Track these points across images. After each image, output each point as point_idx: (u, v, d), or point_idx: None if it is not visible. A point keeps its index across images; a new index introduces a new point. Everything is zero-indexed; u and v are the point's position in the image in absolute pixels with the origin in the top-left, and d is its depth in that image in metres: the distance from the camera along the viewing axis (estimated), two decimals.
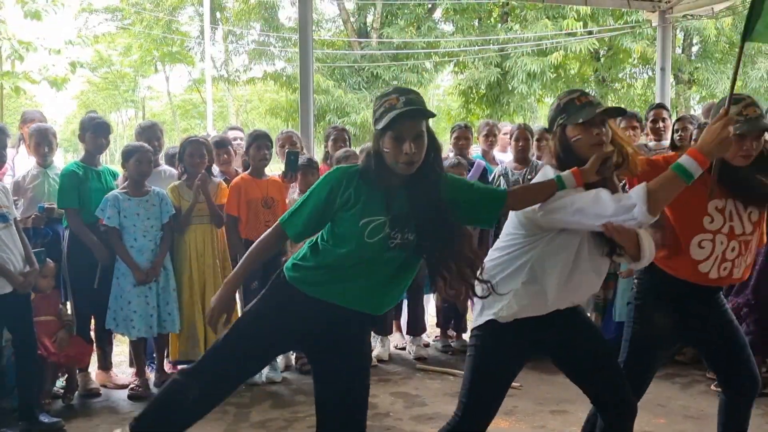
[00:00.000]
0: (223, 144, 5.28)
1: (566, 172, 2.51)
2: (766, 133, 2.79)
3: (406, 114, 2.33)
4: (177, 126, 33.80)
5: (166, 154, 5.30)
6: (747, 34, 2.63)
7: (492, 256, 2.69)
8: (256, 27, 20.99)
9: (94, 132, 4.60)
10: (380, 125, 2.37)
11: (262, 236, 2.60)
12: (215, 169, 5.05)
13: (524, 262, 2.56)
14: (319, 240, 2.54)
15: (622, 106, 18.15)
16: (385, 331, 5.37)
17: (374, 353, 5.24)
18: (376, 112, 2.41)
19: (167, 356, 4.75)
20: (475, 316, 2.71)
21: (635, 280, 3.04)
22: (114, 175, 4.81)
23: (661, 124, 5.68)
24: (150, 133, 4.96)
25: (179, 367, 4.78)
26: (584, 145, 2.53)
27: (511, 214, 2.67)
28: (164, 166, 5.08)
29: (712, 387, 4.46)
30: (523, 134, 5.38)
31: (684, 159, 2.42)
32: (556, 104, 2.64)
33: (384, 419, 4.13)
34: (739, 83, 17.60)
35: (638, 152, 2.67)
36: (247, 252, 2.59)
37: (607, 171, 2.51)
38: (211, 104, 21.13)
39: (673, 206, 2.70)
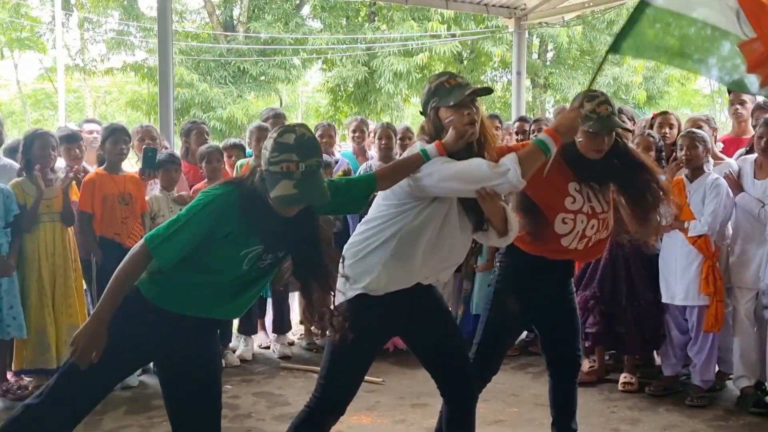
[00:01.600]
0: (74, 138, 4.98)
1: (430, 145, 2.63)
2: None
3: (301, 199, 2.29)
4: (27, 117, 31.60)
5: (8, 148, 4.92)
6: (616, 47, 2.85)
7: (360, 229, 2.75)
8: (115, 15, 20.00)
9: None
10: (272, 192, 2.27)
11: (127, 260, 2.35)
12: (62, 163, 4.76)
13: (393, 233, 2.63)
14: (186, 260, 2.38)
15: (484, 107, 18.91)
16: (249, 331, 5.28)
17: (237, 353, 5.16)
18: (270, 159, 2.29)
19: (9, 365, 4.42)
20: (340, 290, 2.68)
21: (497, 264, 3.25)
22: None
23: (522, 137, 5.93)
24: None
25: (24, 377, 4.49)
26: (457, 125, 2.64)
27: None
28: (5, 160, 4.74)
29: None
30: (385, 132, 5.46)
31: (543, 135, 2.69)
32: (427, 88, 2.74)
33: (246, 420, 4.07)
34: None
35: (495, 138, 2.84)
36: (113, 279, 2.35)
37: (463, 141, 2.63)
38: (64, 94, 19.90)
39: (538, 190, 2.92)
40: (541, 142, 2.65)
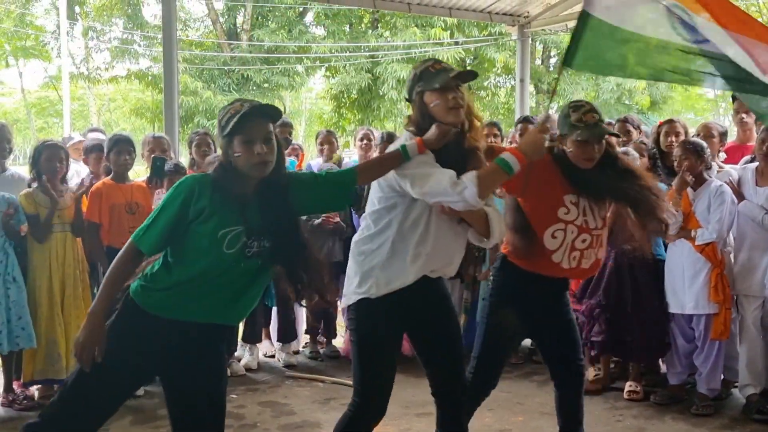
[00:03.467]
0: (101, 149, 4.97)
1: (410, 142, 2.65)
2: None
3: (253, 113, 2.35)
4: (32, 125, 31.72)
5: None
6: (568, 61, 2.87)
7: (357, 235, 2.81)
8: (119, 23, 20.09)
9: None
10: (227, 130, 2.36)
11: (117, 258, 2.42)
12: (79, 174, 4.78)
13: (386, 237, 2.69)
14: (170, 258, 2.42)
15: (487, 113, 18.91)
16: (254, 339, 5.29)
17: (242, 362, 5.16)
18: (221, 120, 2.40)
19: (15, 375, 4.43)
20: (345, 295, 2.80)
21: (491, 278, 3.24)
22: None
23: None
24: None
25: (32, 388, 4.49)
26: (442, 109, 2.65)
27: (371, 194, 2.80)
28: (12, 170, 4.76)
29: None
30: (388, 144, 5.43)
31: (506, 155, 2.65)
32: (412, 74, 2.77)
33: (251, 430, 4.07)
34: (592, 94, 18.87)
35: (482, 124, 2.88)
36: (105, 277, 2.42)
37: (445, 140, 2.65)
38: (69, 102, 19.97)
39: (532, 199, 2.98)
40: (503, 161, 2.62)
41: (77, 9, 21.09)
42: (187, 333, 2.42)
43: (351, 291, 2.76)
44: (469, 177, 2.56)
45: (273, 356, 5.46)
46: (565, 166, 3.01)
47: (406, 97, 2.83)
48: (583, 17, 2.86)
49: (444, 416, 2.90)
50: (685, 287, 4.27)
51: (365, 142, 5.99)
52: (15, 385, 4.43)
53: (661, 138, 4.77)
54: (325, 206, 2.72)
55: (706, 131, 4.72)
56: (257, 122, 2.37)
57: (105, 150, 4.75)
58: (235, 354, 5.22)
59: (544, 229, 2.98)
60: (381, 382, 2.76)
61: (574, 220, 2.98)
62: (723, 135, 4.83)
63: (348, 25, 18.38)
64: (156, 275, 2.42)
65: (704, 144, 4.32)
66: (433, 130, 2.63)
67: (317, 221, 5.11)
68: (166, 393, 2.55)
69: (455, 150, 2.70)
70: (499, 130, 5.95)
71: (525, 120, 6.21)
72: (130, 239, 2.42)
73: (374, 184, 2.79)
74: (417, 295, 2.72)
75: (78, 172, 5.56)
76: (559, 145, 3.05)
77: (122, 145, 4.61)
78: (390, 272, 2.68)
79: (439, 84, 2.64)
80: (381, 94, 17.00)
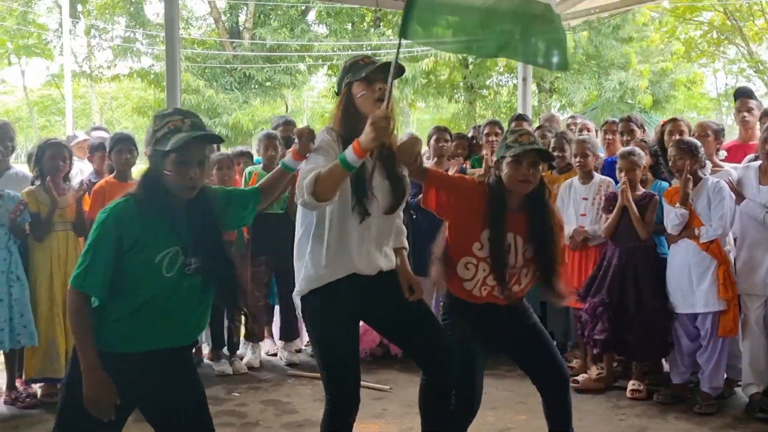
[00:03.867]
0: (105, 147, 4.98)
1: (289, 157, 2.72)
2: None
3: (199, 138, 2.29)
4: (34, 123, 31.75)
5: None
6: (404, 32, 2.70)
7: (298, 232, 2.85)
8: (121, 22, 20.10)
9: None
10: (164, 146, 2.26)
11: (70, 314, 2.33)
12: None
13: (323, 228, 2.73)
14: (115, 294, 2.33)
15: (489, 112, 18.86)
16: (256, 338, 5.29)
17: (245, 360, 5.16)
18: (157, 132, 2.31)
19: (18, 373, 4.44)
20: (297, 288, 2.83)
21: (441, 302, 3.25)
22: None
23: None
24: (1, 133, 4.62)
25: (35, 385, 4.50)
26: (368, 100, 2.71)
27: None
28: (15, 168, 4.76)
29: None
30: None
31: (346, 151, 2.51)
32: (342, 68, 2.84)
33: (253, 428, 4.07)
34: (594, 93, 18.83)
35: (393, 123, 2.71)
36: (75, 336, 2.33)
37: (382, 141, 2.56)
38: (72, 101, 20.00)
39: (454, 227, 3.01)
40: (342, 158, 2.51)
41: (80, 7, 21.11)
42: (146, 363, 2.36)
43: (300, 285, 2.82)
44: (312, 175, 2.52)
45: (275, 354, 5.46)
46: (493, 200, 2.94)
47: (335, 91, 2.88)
48: None
49: (431, 384, 2.90)
50: (694, 286, 4.26)
51: None
52: (17, 383, 4.44)
53: (665, 137, 4.76)
54: (234, 224, 2.72)
55: (701, 130, 4.71)
56: (198, 145, 2.30)
57: (107, 149, 4.75)
58: (238, 352, 5.22)
59: (458, 258, 2.99)
60: (346, 373, 2.78)
61: (486, 257, 2.94)
62: (718, 133, 4.80)
63: (350, 24, 18.39)
64: (106, 311, 2.33)
65: (698, 143, 4.32)
66: (367, 131, 2.47)
67: None
68: (148, 417, 2.50)
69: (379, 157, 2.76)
70: (501, 129, 5.93)
71: (519, 118, 6.21)
72: (70, 287, 2.30)
73: None
74: (364, 282, 2.76)
75: (82, 170, 5.57)
76: (495, 172, 2.98)
77: (124, 144, 4.62)
78: (332, 262, 2.73)
79: (366, 73, 2.70)
80: None
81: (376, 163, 2.79)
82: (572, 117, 6.44)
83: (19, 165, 5.80)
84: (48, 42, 24.66)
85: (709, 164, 4.43)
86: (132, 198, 2.34)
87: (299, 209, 2.81)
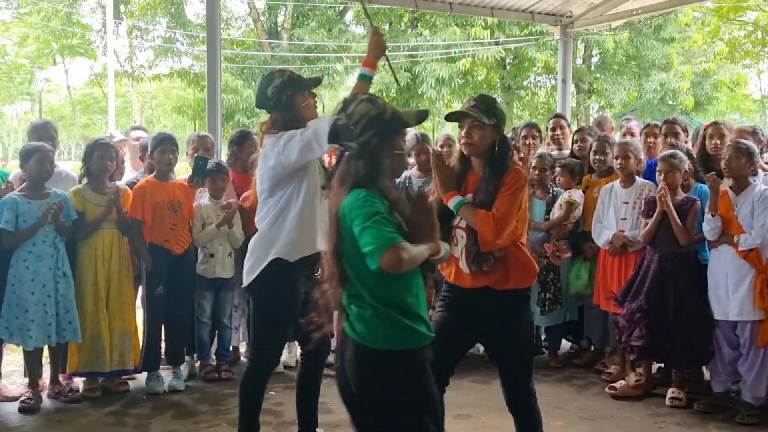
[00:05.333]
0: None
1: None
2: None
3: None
4: (77, 121, 32.40)
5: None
6: None
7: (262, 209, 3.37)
8: (162, 22, 20.40)
9: None
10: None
11: (404, 265, 2.23)
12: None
13: (285, 213, 3.26)
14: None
15: (526, 113, 18.68)
16: (292, 337, 5.31)
17: (281, 359, 5.19)
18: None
19: (61, 368, 4.54)
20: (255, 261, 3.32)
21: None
22: (2, 175, 4.59)
23: (559, 132, 5.89)
24: (43, 131, 4.71)
25: (77, 380, 4.59)
26: (312, 107, 3.36)
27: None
28: (61, 167, 4.87)
29: (607, 389, 4.66)
30: (423, 149, 5.41)
31: (361, 68, 3.40)
32: (279, 81, 3.30)
33: (291, 427, 4.09)
34: (634, 94, 18.56)
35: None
36: (418, 260, 2.31)
37: None
38: (114, 100, 20.35)
39: None
40: (362, 75, 3.37)
41: (122, 8, 21.47)
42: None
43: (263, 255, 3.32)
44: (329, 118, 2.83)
45: None
46: (460, 164, 3.16)
47: (271, 103, 3.28)
48: None
49: (305, 371, 3.65)
50: (729, 293, 4.18)
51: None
52: (61, 378, 4.54)
53: (706, 141, 4.68)
54: None
55: (741, 135, 4.57)
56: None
57: (149, 148, 4.82)
58: None
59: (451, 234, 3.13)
60: (276, 343, 3.48)
61: (459, 222, 3.07)
62: (756, 134, 4.70)
63: (387, 24, 18.37)
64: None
65: (756, 147, 4.23)
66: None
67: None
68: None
69: None
70: (538, 131, 5.89)
71: (557, 116, 6.16)
72: (386, 253, 2.17)
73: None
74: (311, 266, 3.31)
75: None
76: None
77: (167, 144, 4.68)
78: (297, 241, 3.27)
79: (314, 86, 3.39)
80: (420, 93, 16.97)
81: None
82: (626, 119, 6.34)
83: (62, 162, 5.92)
84: (91, 42, 25.14)
85: (761, 172, 4.33)
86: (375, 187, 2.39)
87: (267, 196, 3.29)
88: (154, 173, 4.74)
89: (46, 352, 4.52)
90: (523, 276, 3.04)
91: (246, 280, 3.38)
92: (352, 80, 22.32)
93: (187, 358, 4.95)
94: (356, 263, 2.30)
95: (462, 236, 3.04)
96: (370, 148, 2.34)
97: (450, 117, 3.13)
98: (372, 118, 2.35)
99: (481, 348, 4.49)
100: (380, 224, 2.22)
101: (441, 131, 17.84)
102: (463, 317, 3.07)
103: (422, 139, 5.55)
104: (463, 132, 3.06)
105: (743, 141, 4.26)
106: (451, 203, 3.01)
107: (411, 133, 5.94)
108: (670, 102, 18.02)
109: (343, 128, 2.39)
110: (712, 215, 4.18)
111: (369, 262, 2.21)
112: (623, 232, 4.70)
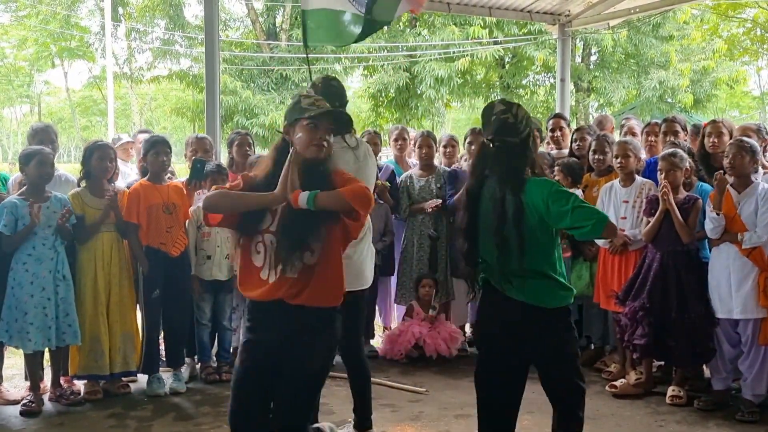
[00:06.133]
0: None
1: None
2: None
3: None
4: (76, 123, 32.41)
5: None
6: (306, 43, 4.71)
7: None
8: (161, 24, 20.40)
9: None
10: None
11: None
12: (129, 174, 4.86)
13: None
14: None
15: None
16: None
17: None
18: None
19: (62, 371, 4.54)
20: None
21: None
22: (3, 179, 4.58)
23: (559, 133, 5.89)
24: (43, 135, 4.71)
25: (78, 383, 4.59)
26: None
27: None
28: (61, 171, 4.87)
29: (607, 387, 4.66)
30: (426, 142, 5.44)
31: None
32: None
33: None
34: (633, 92, 18.55)
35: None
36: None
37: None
38: (113, 102, 20.35)
39: None
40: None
41: (121, 10, 21.48)
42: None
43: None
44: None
45: None
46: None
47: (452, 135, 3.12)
48: (302, 15, 4.78)
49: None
50: (732, 291, 4.18)
51: (400, 142, 6.01)
52: (62, 381, 4.54)
53: (705, 139, 4.68)
54: None
55: (745, 133, 4.58)
56: None
57: (142, 151, 4.81)
58: None
59: None
60: None
61: (268, 227, 2.81)
62: (764, 139, 4.70)
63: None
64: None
65: (758, 146, 4.23)
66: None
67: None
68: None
69: None
70: (539, 131, 5.86)
71: (557, 116, 6.16)
72: (607, 217, 2.77)
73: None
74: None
75: (125, 173, 5.66)
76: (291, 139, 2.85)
77: (160, 147, 4.66)
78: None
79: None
80: (419, 92, 16.98)
81: None
82: (626, 118, 6.34)
83: (61, 164, 5.92)
84: (90, 44, 25.12)
85: (761, 170, 4.34)
86: None
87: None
88: (147, 176, 4.72)
89: (47, 355, 4.52)
90: (325, 294, 2.80)
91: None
92: (351, 81, 22.34)
93: (187, 360, 4.95)
94: (541, 238, 2.82)
95: (271, 241, 2.76)
96: (529, 142, 2.90)
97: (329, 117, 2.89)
98: (530, 118, 2.91)
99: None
100: (586, 203, 2.80)
101: (441, 131, 17.88)
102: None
103: (427, 134, 5.60)
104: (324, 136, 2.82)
105: (747, 139, 4.25)
106: (302, 198, 2.67)
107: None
108: (670, 100, 18.02)
109: (510, 126, 2.85)
110: (717, 213, 4.18)
111: (591, 233, 2.73)
112: (623, 231, 4.70)
